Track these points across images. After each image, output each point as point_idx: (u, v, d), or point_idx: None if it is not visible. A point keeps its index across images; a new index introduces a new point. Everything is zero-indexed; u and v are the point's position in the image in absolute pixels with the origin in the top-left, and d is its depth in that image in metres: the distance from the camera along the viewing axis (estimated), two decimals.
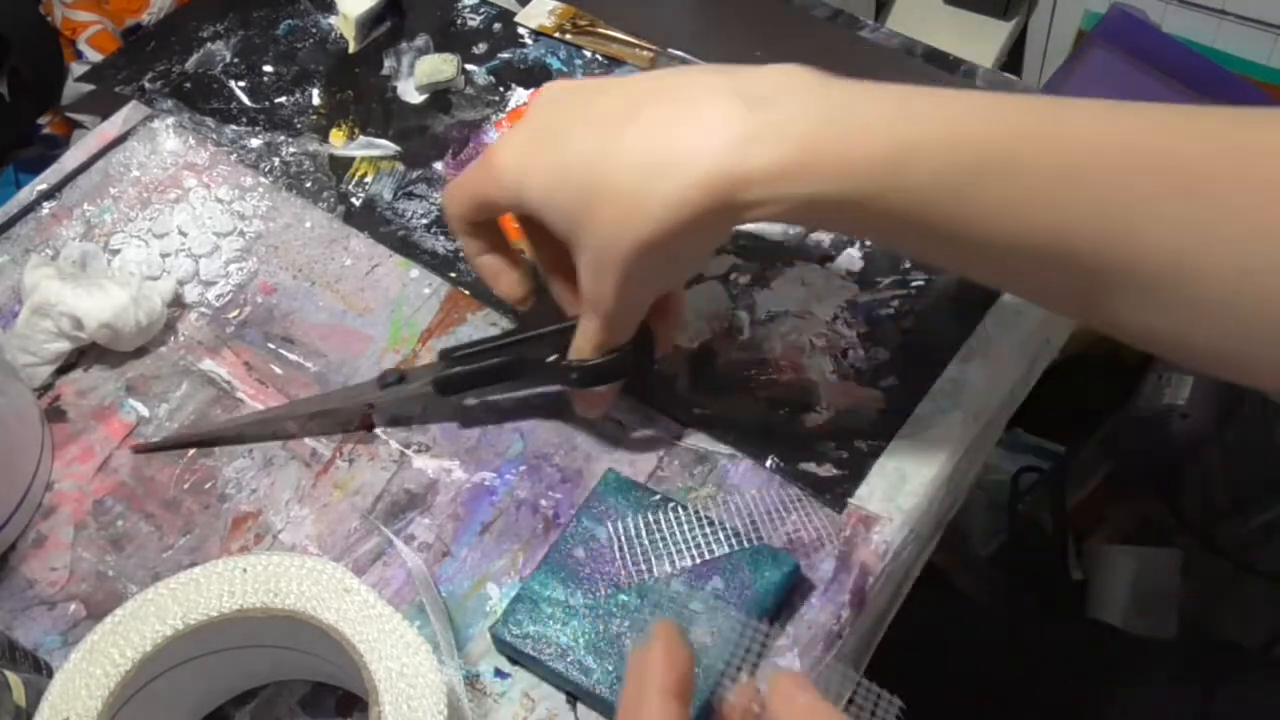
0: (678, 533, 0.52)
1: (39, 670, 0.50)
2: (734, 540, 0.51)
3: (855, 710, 0.39)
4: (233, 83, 0.75)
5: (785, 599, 0.51)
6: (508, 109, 0.71)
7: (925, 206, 0.42)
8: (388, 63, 0.75)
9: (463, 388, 0.57)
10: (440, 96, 0.73)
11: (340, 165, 0.70)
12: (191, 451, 0.59)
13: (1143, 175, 0.39)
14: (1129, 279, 0.40)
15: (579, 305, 0.50)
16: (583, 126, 0.47)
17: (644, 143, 0.44)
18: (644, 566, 0.51)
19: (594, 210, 0.45)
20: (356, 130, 0.71)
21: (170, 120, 0.73)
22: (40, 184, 0.70)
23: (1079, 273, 0.41)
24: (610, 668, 0.48)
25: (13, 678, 0.46)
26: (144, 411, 0.61)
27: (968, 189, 0.41)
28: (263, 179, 0.70)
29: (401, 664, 0.45)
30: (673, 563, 0.51)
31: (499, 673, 0.51)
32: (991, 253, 0.43)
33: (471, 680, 0.51)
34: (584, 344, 0.51)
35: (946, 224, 0.42)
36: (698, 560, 0.51)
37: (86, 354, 0.63)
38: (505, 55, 0.74)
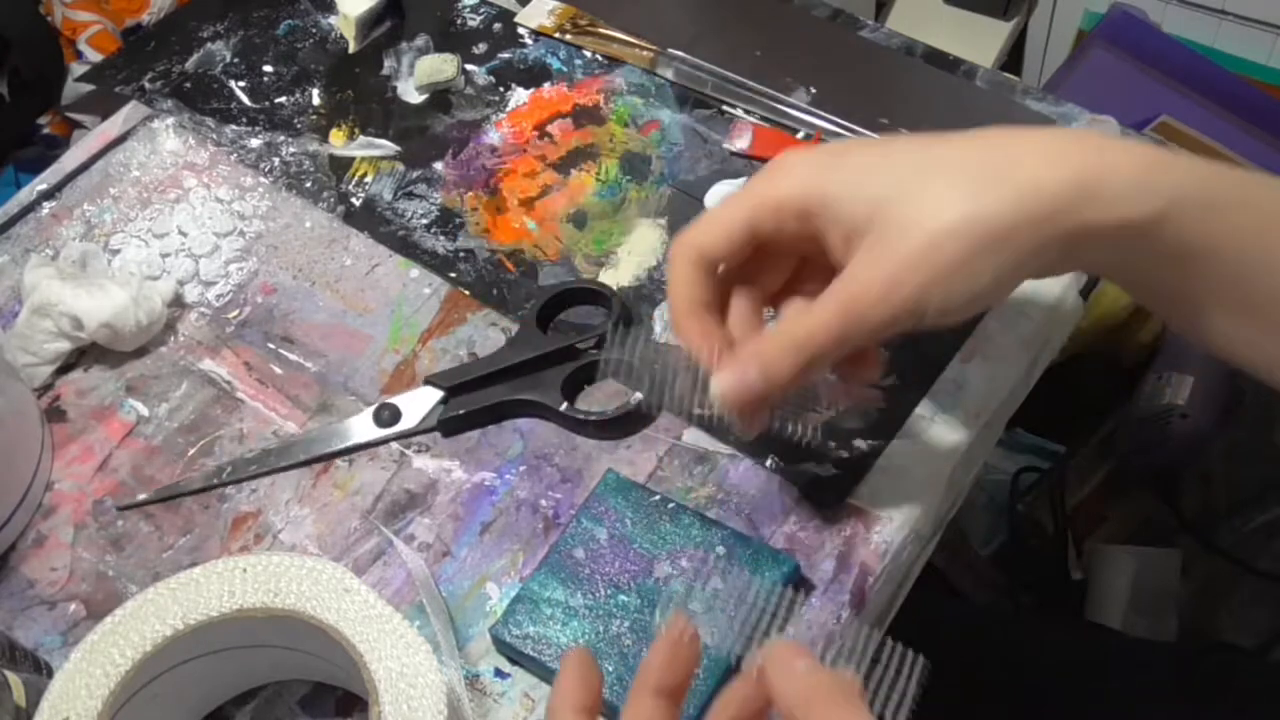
0: (678, 533, 0.52)
1: (39, 670, 0.50)
2: (734, 540, 0.51)
3: (881, 670, 0.38)
4: (233, 83, 0.75)
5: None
6: (508, 109, 0.71)
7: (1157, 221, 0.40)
8: (388, 63, 0.75)
9: (467, 429, 0.58)
10: (440, 96, 0.73)
11: (340, 165, 0.70)
12: (191, 451, 0.59)
13: None
14: None
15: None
16: (894, 146, 0.44)
17: (985, 142, 0.42)
18: (644, 566, 0.51)
19: (925, 185, 0.41)
20: (356, 130, 0.71)
21: (170, 120, 0.73)
22: (40, 184, 0.70)
23: None
24: (610, 668, 0.48)
25: (13, 678, 0.46)
26: (144, 411, 0.61)
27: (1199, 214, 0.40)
28: (263, 179, 0.70)
29: (401, 664, 0.45)
30: (673, 563, 0.51)
31: (499, 673, 0.51)
32: (1212, 278, 0.42)
33: (471, 680, 0.51)
34: (799, 339, 0.43)
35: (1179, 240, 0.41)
36: (698, 560, 0.51)
37: (86, 354, 0.63)
38: (505, 55, 0.74)
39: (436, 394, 0.58)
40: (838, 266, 0.43)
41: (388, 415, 0.58)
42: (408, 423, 0.58)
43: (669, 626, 0.38)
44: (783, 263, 0.48)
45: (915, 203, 0.41)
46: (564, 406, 0.57)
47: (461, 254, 0.65)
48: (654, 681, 0.37)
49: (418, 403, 0.58)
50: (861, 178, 0.42)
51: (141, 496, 0.57)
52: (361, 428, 0.58)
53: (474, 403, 0.58)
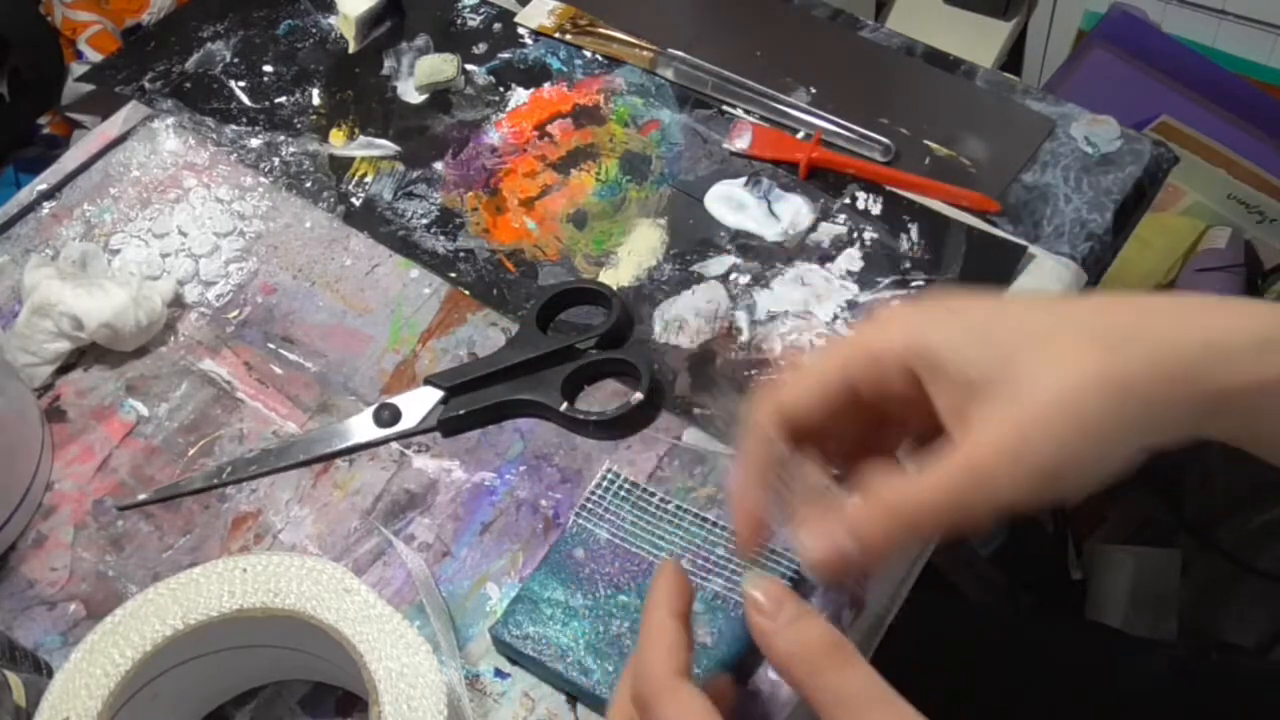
0: (678, 533, 0.52)
1: (39, 670, 0.50)
2: (734, 540, 0.51)
3: None
4: (233, 83, 0.75)
5: None
6: (508, 109, 0.71)
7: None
8: (388, 63, 0.75)
9: (467, 429, 0.58)
10: (440, 96, 0.73)
11: (340, 165, 0.70)
12: (191, 451, 0.59)
13: None
14: None
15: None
16: (1011, 303, 0.42)
17: (1110, 304, 0.39)
18: (644, 567, 0.51)
19: (1047, 346, 0.38)
20: (356, 130, 0.71)
21: (170, 120, 0.73)
22: (40, 184, 0.70)
23: None
24: (610, 668, 0.48)
25: (13, 678, 0.46)
26: (144, 411, 0.61)
27: None
28: (263, 179, 0.70)
29: (401, 664, 0.45)
30: None
31: (499, 673, 0.51)
32: None
33: (471, 680, 0.51)
34: (915, 505, 0.38)
35: None
36: (698, 560, 0.51)
37: (86, 354, 0.63)
38: (505, 55, 0.74)
39: (437, 394, 0.58)
40: (949, 430, 0.39)
41: (388, 415, 0.58)
42: (408, 423, 0.58)
43: (664, 562, 0.42)
44: (860, 418, 0.43)
45: (1045, 359, 0.37)
46: (564, 406, 0.57)
47: (461, 254, 0.65)
48: (670, 603, 0.40)
49: (418, 403, 0.58)
50: (981, 332, 0.39)
51: (141, 496, 0.57)
52: (361, 428, 0.58)
53: (474, 403, 0.58)
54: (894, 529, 0.38)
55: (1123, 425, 0.37)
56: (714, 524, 0.52)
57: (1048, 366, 0.37)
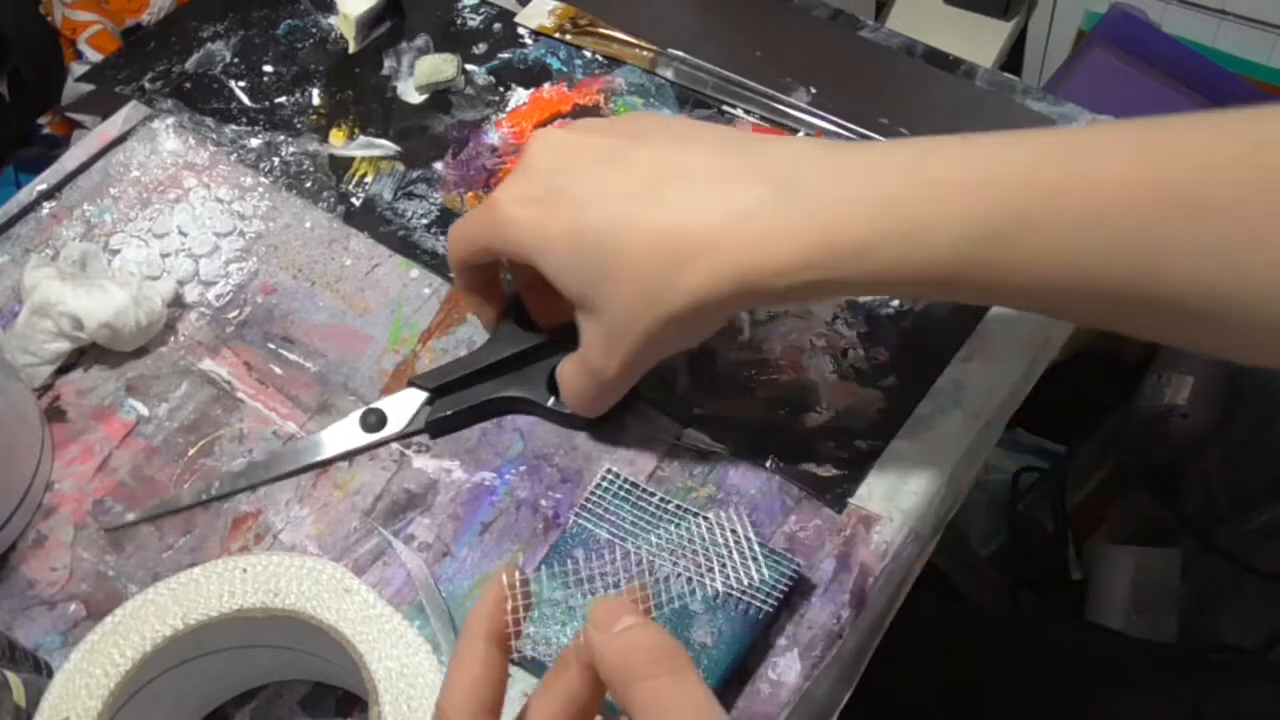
0: (678, 533, 0.52)
1: (39, 670, 0.50)
2: (734, 540, 0.51)
3: None
4: (233, 83, 0.75)
5: (785, 599, 0.51)
6: (508, 109, 0.71)
7: (947, 272, 0.42)
8: (388, 63, 0.75)
9: (455, 429, 0.58)
10: (440, 96, 0.73)
11: (340, 165, 0.70)
12: (191, 451, 0.59)
13: (1165, 210, 0.39)
14: (1166, 309, 0.40)
15: (552, 319, 0.55)
16: (599, 197, 0.47)
17: (669, 225, 0.45)
18: (644, 567, 0.51)
19: (613, 285, 0.46)
20: (356, 130, 0.71)
21: (170, 120, 0.73)
22: (40, 184, 0.70)
23: (1115, 304, 0.41)
24: None
25: (13, 678, 0.46)
26: (144, 411, 0.61)
27: (989, 252, 0.41)
28: (263, 179, 0.70)
29: (401, 664, 0.45)
30: (673, 563, 0.51)
31: None
32: (1022, 299, 0.43)
33: None
34: (576, 401, 0.53)
35: (971, 284, 0.42)
36: (698, 560, 0.51)
37: (86, 354, 0.63)
38: (505, 55, 0.74)
39: (421, 395, 0.58)
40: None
41: (374, 420, 0.58)
42: (394, 427, 0.58)
43: (504, 573, 0.38)
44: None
45: (606, 305, 0.47)
46: (551, 401, 0.56)
47: None
48: (490, 623, 0.37)
49: (404, 406, 0.58)
50: (564, 262, 0.48)
51: (130, 517, 0.57)
52: (347, 435, 0.58)
53: (460, 402, 0.57)
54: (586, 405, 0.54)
55: (669, 346, 0.49)
56: (714, 524, 0.52)
57: (610, 306, 0.47)
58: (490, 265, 0.55)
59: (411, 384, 0.58)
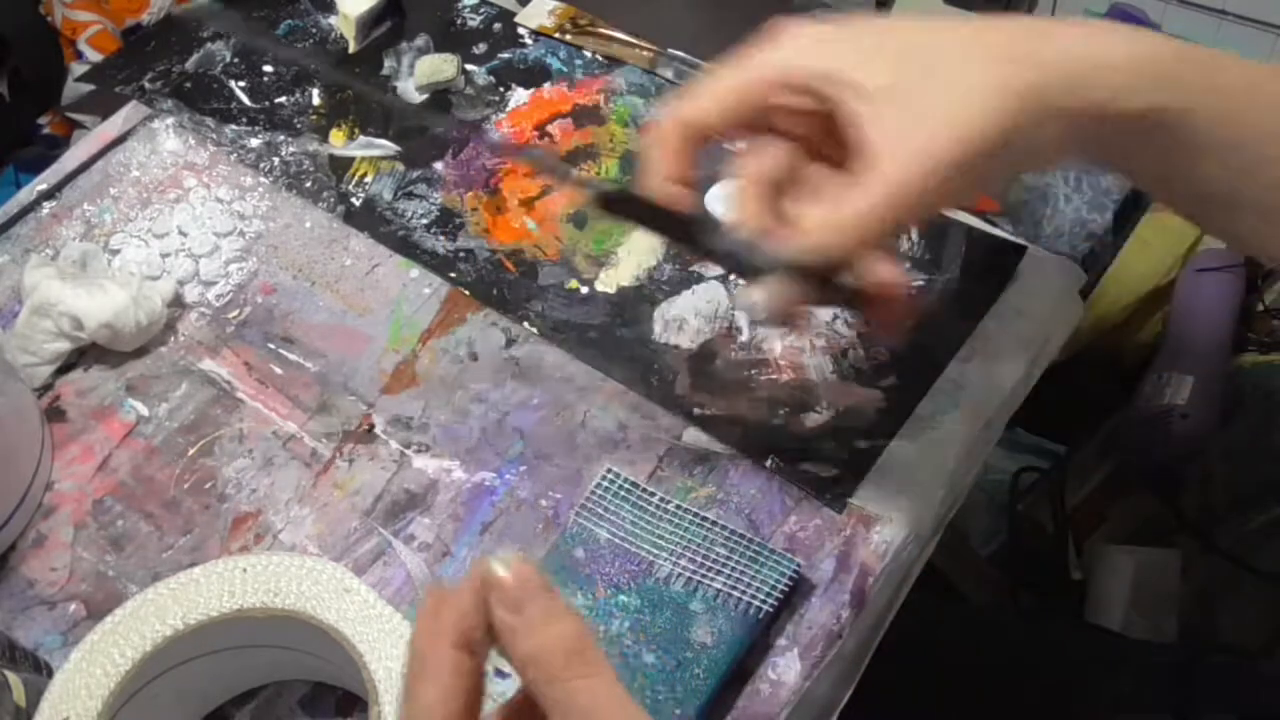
0: (678, 533, 0.52)
1: (39, 670, 0.50)
2: (734, 540, 0.51)
3: None
4: (233, 83, 0.75)
5: (785, 599, 0.51)
6: (508, 109, 0.71)
7: (1228, 116, 0.40)
8: (388, 63, 0.75)
9: (628, 213, 0.47)
10: (440, 96, 0.73)
11: (340, 165, 0.70)
12: (191, 451, 0.59)
13: None
14: None
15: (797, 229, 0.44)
16: (893, 27, 0.43)
17: (988, 34, 0.41)
18: (644, 567, 0.51)
19: (931, 75, 0.40)
20: (356, 130, 0.71)
21: (170, 120, 0.73)
22: (40, 184, 0.70)
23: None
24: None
25: (13, 678, 0.46)
26: (144, 411, 0.61)
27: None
28: (263, 179, 0.70)
29: (401, 664, 0.45)
30: (673, 563, 0.51)
31: (499, 673, 0.51)
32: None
33: None
34: (848, 222, 0.42)
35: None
36: (698, 560, 0.51)
37: (86, 354, 0.63)
38: (505, 55, 0.74)
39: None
40: (854, 142, 0.42)
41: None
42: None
43: (476, 566, 0.32)
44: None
45: (948, 73, 0.40)
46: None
47: (461, 254, 0.65)
48: (459, 628, 0.31)
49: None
50: (875, 50, 0.42)
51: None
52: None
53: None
54: (841, 239, 0.42)
55: (1020, 133, 0.40)
56: (714, 523, 0.52)
57: (953, 81, 0.40)
58: (694, 153, 0.47)
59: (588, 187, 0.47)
